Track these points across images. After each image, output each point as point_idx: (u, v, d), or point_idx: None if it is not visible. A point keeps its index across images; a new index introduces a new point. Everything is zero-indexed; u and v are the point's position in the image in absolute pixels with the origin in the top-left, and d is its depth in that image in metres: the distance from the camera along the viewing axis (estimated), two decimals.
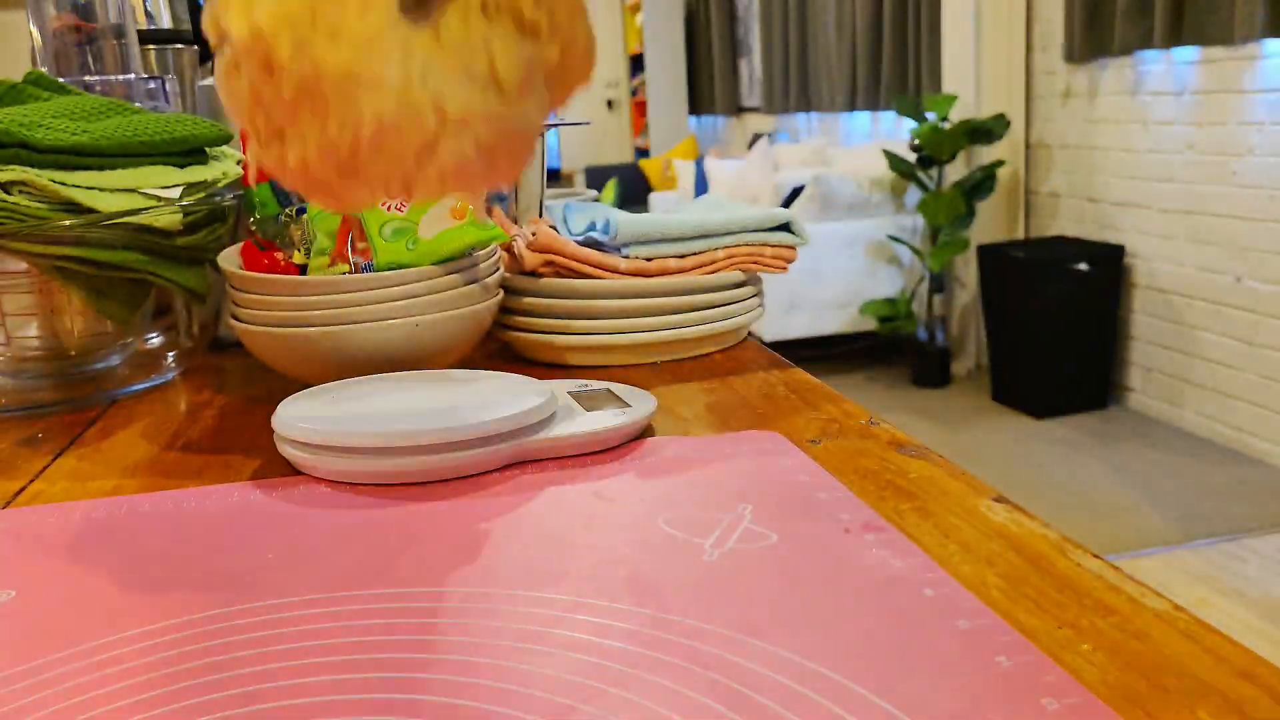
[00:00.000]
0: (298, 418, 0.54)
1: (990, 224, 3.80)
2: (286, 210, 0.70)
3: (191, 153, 0.70)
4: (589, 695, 0.34)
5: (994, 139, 3.59)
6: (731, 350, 0.77)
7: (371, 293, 0.62)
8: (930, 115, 3.72)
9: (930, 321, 3.86)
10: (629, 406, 0.59)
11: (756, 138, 5.74)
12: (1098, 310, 3.30)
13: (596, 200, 1.08)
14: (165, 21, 0.87)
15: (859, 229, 3.91)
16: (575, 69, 0.33)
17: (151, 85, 0.77)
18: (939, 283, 3.89)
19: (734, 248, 0.75)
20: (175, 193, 0.67)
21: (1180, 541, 2.41)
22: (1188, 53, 2.99)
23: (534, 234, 0.74)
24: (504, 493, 0.52)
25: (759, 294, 0.79)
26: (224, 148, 0.74)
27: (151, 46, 0.86)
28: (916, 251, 3.85)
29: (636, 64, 6.87)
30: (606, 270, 0.73)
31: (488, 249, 0.68)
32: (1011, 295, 3.40)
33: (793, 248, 0.78)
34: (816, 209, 3.89)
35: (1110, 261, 3.28)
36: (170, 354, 0.75)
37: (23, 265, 0.66)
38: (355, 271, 0.63)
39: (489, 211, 0.74)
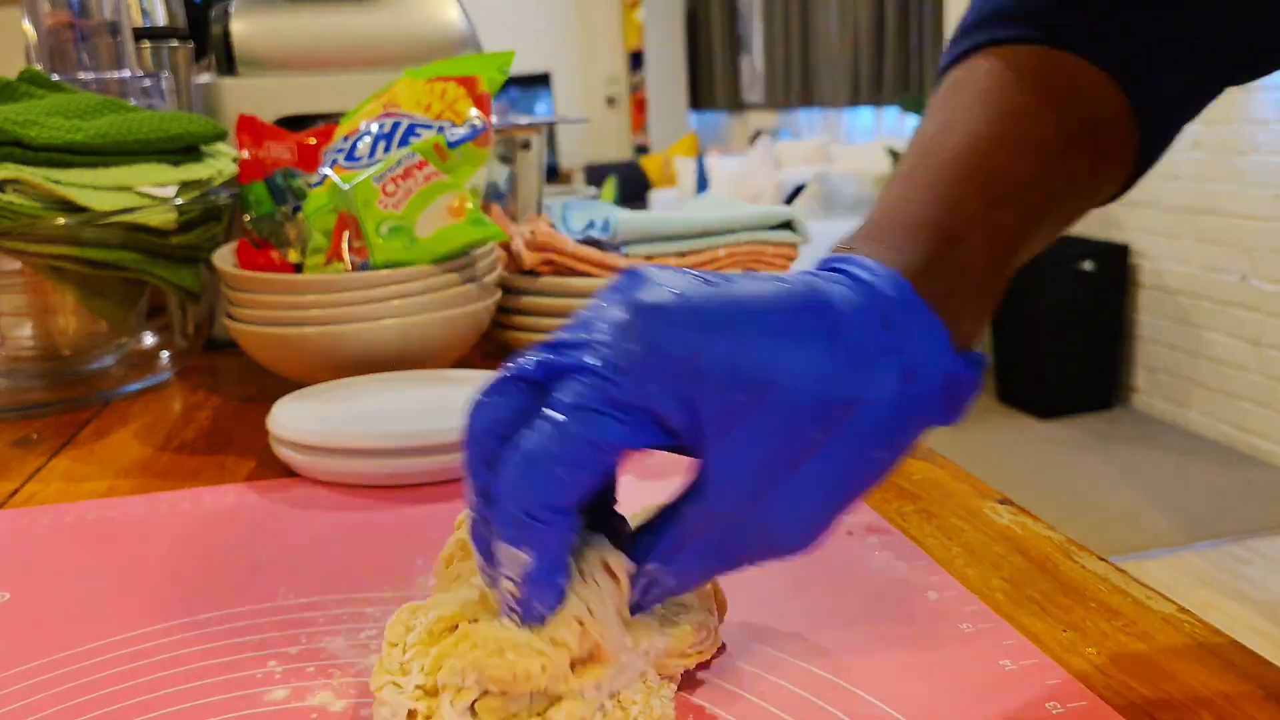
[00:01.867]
0: (293, 419, 0.54)
1: None
2: (282, 209, 0.70)
3: (186, 150, 0.70)
4: None
5: None
6: None
7: (368, 292, 0.61)
8: None
9: None
10: None
11: (758, 135, 5.74)
12: (1103, 310, 3.29)
13: (596, 198, 1.08)
14: (160, 18, 0.87)
15: None
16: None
17: (146, 83, 0.76)
18: None
19: (735, 246, 0.75)
20: (170, 191, 0.66)
21: (1185, 543, 2.41)
22: None
23: (532, 232, 0.74)
24: None
25: None
26: (219, 145, 0.74)
27: (146, 43, 0.86)
28: None
29: (636, 60, 6.87)
30: (606, 269, 0.72)
31: (485, 247, 0.67)
32: (1015, 295, 3.37)
33: (794, 246, 0.77)
34: (819, 207, 3.89)
35: (1115, 261, 3.27)
36: (165, 354, 0.74)
37: (16, 264, 0.66)
38: (352, 270, 0.63)
39: (487, 209, 0.73)
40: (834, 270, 0.33)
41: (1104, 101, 0.39)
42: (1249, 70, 0.41)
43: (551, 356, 0.30)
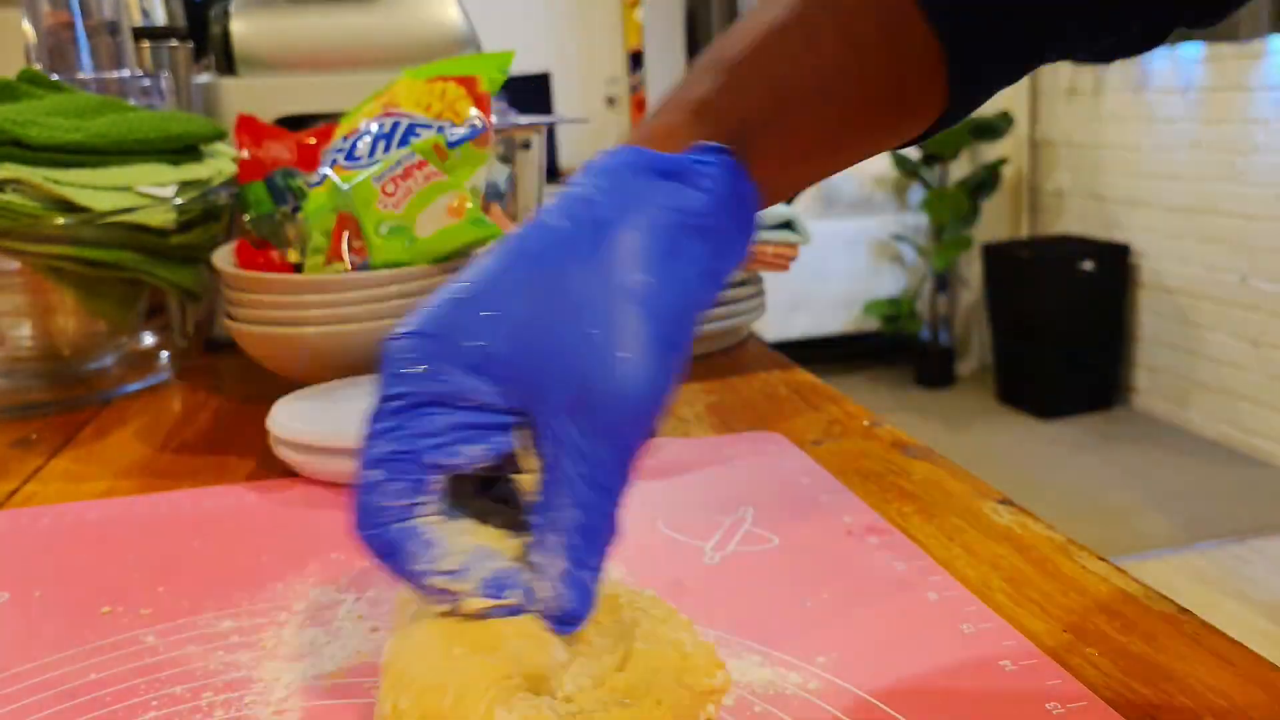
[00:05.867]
0: (293, 419, 0.54)
1: (994, 222, 3.79)
2: (281, 209, 0.70)
3: (186, 150, 0.70)
4: None
5: (998, 136, 3.58)
6: (733, 350, 0.77)
7: (367, 291, 0.61)
8: None
9: (934, 321, 3.85)
10: None
11: None
12: (1103, 310, 3.28)
13: None
14: (160, 18, 0.87)
15: (862, 227, 3.90)
16: None
17: (146, 82, 0.76)
18: (943, 282, 3.88)
19: None
20: (169, 191, 0.66)
21: (1186, 543, 2.40)
22: (1193, 49, 2.98)
23: None
24: None
25: (760, 293, 0.78)
26: (218, 145, 0.74)
27: (146, 43, 0.86)
28: (920, 250, 3.84)
29: (636, 60, 6.87)
30: None
31: (485, 247, 0.67)
32: (1016, 294, 3.39)
33: (794, 246, 0.77)
34: (819, 207, 3.88)
35: (1115, 260, 3.26)
36: (164, 354, 0.74)
37: (16, 264, 0.66)
38: (351, 270, 0.63)
39: (487, 209, 0.73)
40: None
41: (912, 39, 0.37)
42: (1068, 51, 0.39)
43: None
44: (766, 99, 0.36)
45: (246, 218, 0.71)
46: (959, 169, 3.81)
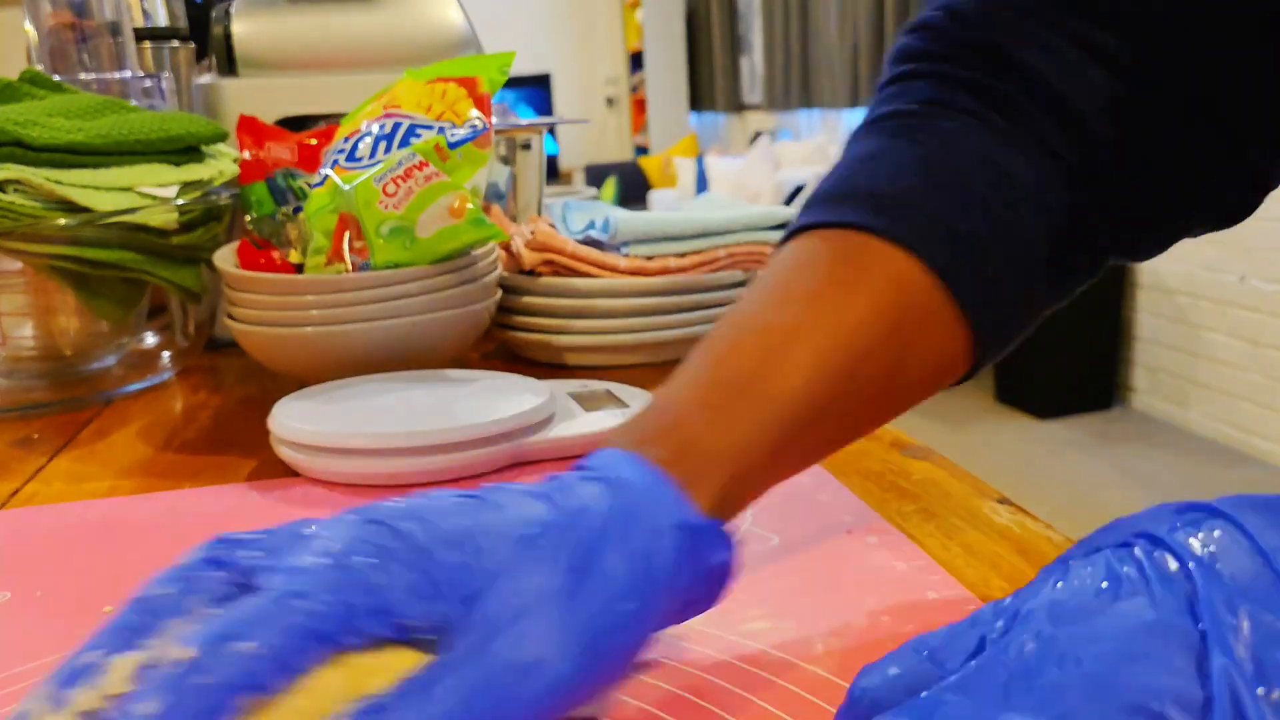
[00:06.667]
0: (294, 419, 0.54)
1: None
2: (283, 209, 0.70)
3: (187, 151, 0.70)
4: None
5: None
6: None
7: (368, 292, 0.61)
8: None
9: None
10: (629, 407, 0.58)
11: (758, 135, 5.74)
12: (1102, 309, 3.29)
13: (596, 198, 1.08)
14: (161, 19, 0.87)
15: None
16: None
17: (148, 83, 0.76)
18: None
19: (735, 247, 0.75)
20: (171, 191, 0.66)
21: None
22: None
23: (533, 232, 0.74)
24: None
25: None
26: (220, 145, 0.74)
27: (148, 44, 0.86)
28: None
29: (636, 61, 6.87)
30: (606, 269, 0.72)
31: (486, 248, 0.67)
32: None
33: None
34: None
35: None
36: (166, 354, 0.74)
37: (18, 264, 0.66)
38: (352, 271, 0.63)
39: (488, 209, 0.74)
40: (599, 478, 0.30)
41: (923, 298, 0.36)
42: (1090, 274, 0.41)
43: None
44: (763, 437, 0.32)
45: (248, 218, 0.71)
46: None
